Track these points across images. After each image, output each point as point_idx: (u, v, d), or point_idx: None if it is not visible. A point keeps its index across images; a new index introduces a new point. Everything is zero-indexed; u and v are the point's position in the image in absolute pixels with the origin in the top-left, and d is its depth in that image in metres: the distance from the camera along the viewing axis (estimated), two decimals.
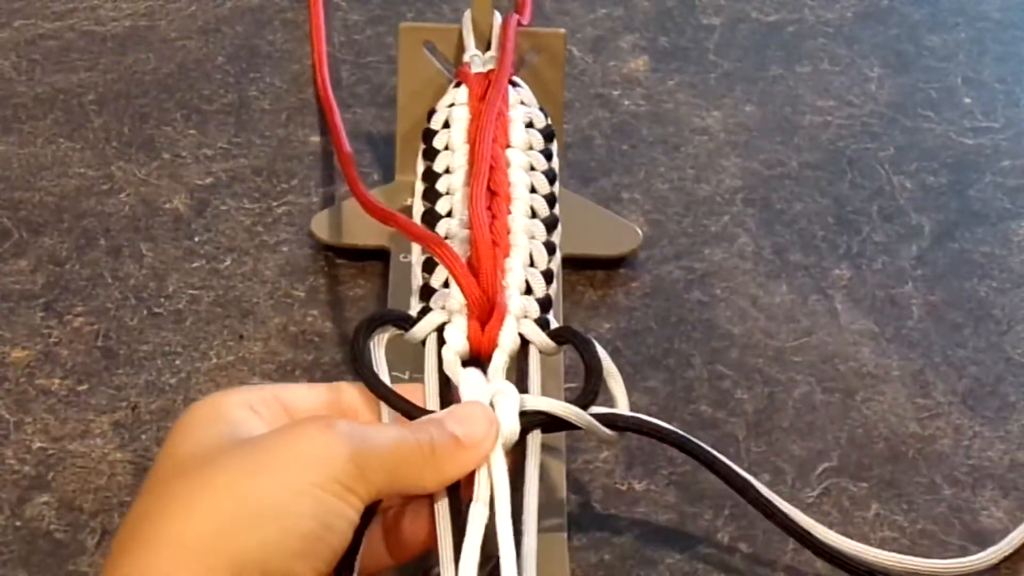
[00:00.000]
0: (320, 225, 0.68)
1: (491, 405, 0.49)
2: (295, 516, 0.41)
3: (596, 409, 0.50)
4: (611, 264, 0.67)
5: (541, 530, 0.47)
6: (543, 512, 0.48)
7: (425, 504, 0.47)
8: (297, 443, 0.43)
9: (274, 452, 0.43)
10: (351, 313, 0.65)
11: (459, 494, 0.46)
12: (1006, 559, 0.56)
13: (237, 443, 0.44)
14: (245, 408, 0.46)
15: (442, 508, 0.46)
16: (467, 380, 0.50)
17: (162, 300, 0.65)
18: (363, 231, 0.67)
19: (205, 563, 0.40)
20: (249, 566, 0.41)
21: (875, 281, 0.67)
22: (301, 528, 0.41)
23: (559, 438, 0.55)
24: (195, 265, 0.67)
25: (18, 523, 0.56)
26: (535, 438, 0.49)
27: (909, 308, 0.66)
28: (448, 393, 0.50)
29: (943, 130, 0.76)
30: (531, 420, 0.49)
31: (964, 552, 0.56)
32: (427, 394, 0.50)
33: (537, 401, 0.49)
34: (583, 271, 0.67)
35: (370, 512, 0.45)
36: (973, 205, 0.72)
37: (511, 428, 0.48)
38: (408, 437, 0.45)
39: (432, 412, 0.49)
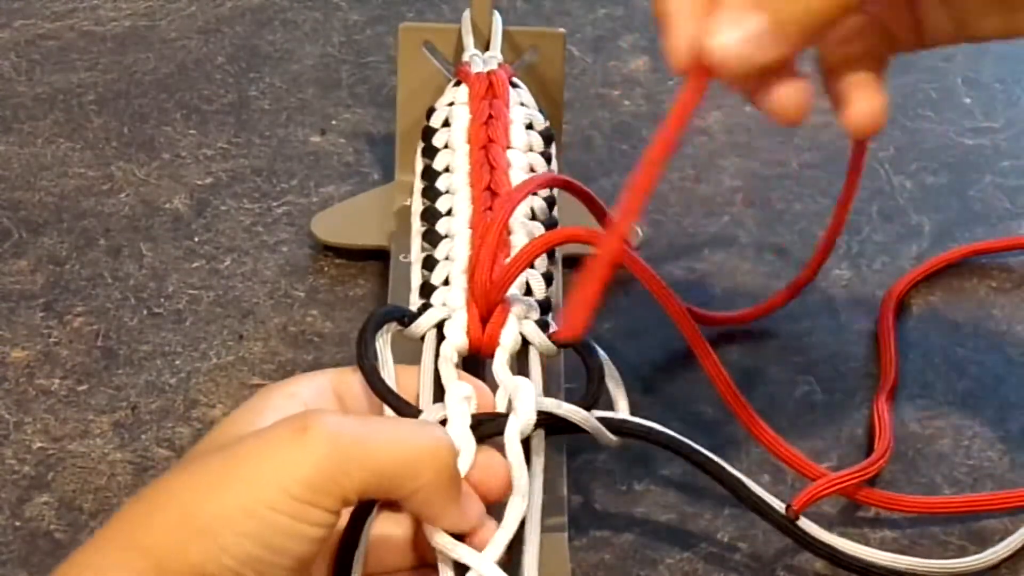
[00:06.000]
0: (320, 225, 0.68)
1: (509, 400, 0.49)
2: (237, 536, 0.41)
3: (598, 412, 0.50)
4: None
5: (542, 529, 0.47)
6: (543, 512, 0.48)
7: None
8: (259, 454, 0.42)
9: (234, 464, 0.42)
10: (351, 313, 0.65)
11: None
12: (1006, 560, 0.55)
13: (222, 446, 0.44)
14: (290, 398, 0.47)
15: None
16: (453, 389, 0.49)
17: (162, 300, 0.65)
18: (363, 231, 0.67)
19: (149, 563, 0.41)
20: (185, 572, 0.41)
21: (875, 281, 0.67)
22: (240, 549, 0.41)
23: (559, 437, 0.55)
24: (195, 265, 0.67)
25: (18, 523, 0.56)
26: (539, 438, 0.49)
27: (909, 308, 0.66)
28: (442, 393, 0.50)
29: (943, 130, 0.76)
30: (537, 420, 0.49)
31: (964, 552, 0.56)
32: (421, 390, 0.50)
33: (543, 402, 0.49)
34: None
35: (365, 510, 0.45)
36: (973, 205, 0.72)
37: (528, 418, 0.48)
38: (426, 442, 0.44)
39: (423, 410, 0.49)
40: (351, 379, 0.49)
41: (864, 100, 0.47)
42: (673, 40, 0.45)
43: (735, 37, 0.44)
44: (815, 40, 0.45)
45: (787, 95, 0.46)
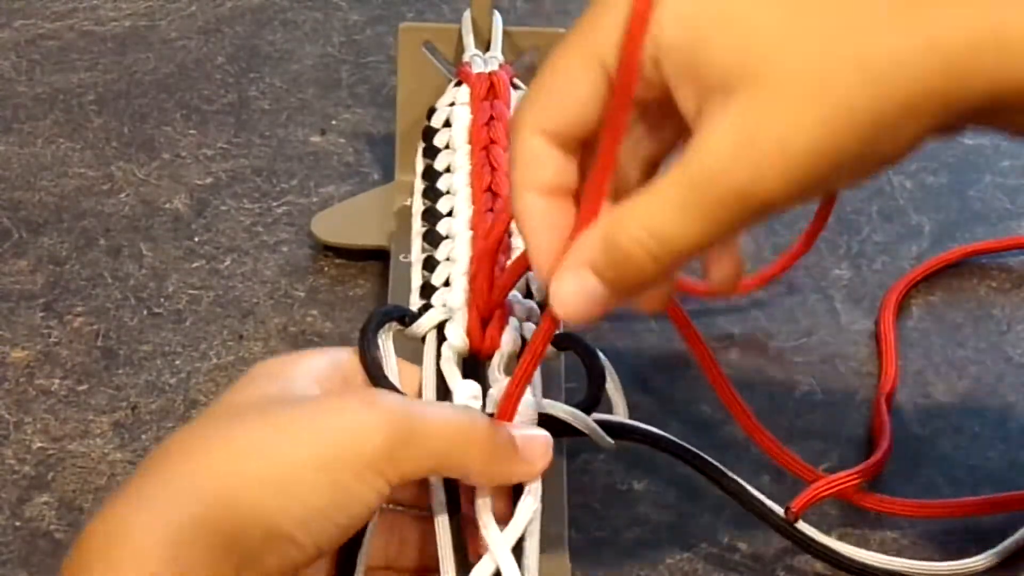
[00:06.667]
0: (320, 225, 0.68)
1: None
2: (306, 489, 0.41)
3: (597, 415, 0.51)
4: None
5: (542, 530, 0.47)
6: (543, 513, 0.48)
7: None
8: (333, 416, 0.43)
9: (308, 420, 0.43)
10: (351, 313, 0.65)
11: (457, 500, 0.46)
12: (1006, 560, 0.55)
13: (281, 402, 0.44)
14: (307, 376, 0.47)
15: (440, 513, 0.46)
16: (460, 388, 0.49)
17: (162, 300, 0.65)
18: (363, 231, 0.67)
19: (210, 509, 0.40)
20: (250, 522, 0.41)
21: (875, 281, 0.67)
22: (309, 501, 0.41)
23: (559, 439, 0.55)
24: (195, 265, 0.67)
25: (18, 523, 0.56)
26: None
27: (909, 308, 0.66)
28: (446, 392, 0.50)
29: None
30: (535, 423, 0.49)
31: (964, 552, 0.56)
32: (424, 391, 0.50)
33: (541, 404, 0.49)
34: None
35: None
36: (973, 205, 0.72)
37: (526, 420, 0.48)
38: (465, 420, 0.45)
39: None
40: (356, 362, 0.49)
41: (718, 271, 0.47)
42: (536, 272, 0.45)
43: (573, 294, 0.44)
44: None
45: (649, 297, 0.45)
